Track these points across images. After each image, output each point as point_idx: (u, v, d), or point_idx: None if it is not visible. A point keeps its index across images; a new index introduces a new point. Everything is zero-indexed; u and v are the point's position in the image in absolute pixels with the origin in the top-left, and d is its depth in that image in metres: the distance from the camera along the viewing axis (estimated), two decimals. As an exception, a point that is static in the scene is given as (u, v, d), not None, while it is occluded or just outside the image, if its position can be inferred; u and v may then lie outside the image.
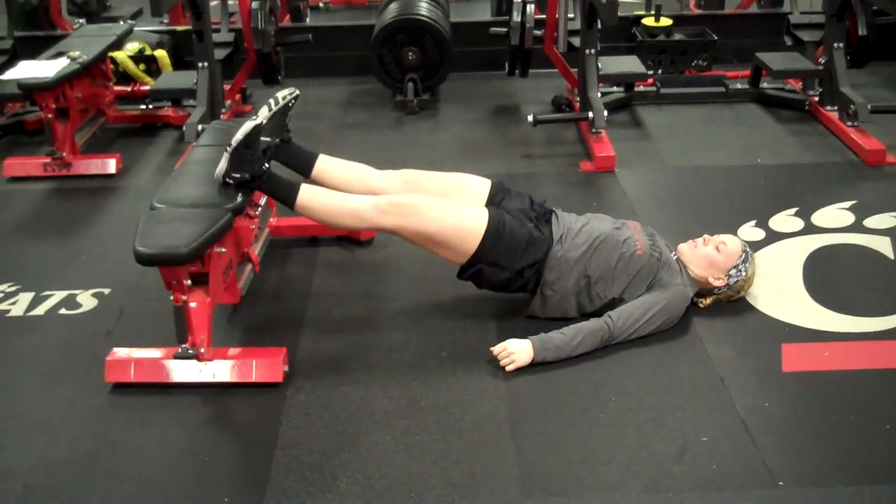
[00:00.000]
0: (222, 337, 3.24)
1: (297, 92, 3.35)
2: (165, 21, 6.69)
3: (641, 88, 5.75)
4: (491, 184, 3.45)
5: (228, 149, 3.04)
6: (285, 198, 3.19)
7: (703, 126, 5.36)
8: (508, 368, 3.04)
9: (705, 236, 3.36)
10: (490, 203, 3.36)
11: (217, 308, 3.15)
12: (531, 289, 3.25)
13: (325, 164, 3.48)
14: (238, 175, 3.07)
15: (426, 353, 3.18)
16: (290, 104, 3.31)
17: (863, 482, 2.52)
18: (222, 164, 3.08)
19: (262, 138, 3.13)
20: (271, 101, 3.22)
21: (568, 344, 3.07)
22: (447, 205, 3.22)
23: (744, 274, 3.31)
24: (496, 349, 3.09)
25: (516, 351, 3.05)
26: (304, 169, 3.47)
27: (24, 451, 2.74)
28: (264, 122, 3.13)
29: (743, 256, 3.32)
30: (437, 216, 3.16)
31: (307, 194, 3.18)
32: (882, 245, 3.80)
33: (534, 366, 3.04)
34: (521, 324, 3.27)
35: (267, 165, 3.12)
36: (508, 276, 3.21)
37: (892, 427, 2.74)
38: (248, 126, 3.02)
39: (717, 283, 3.30)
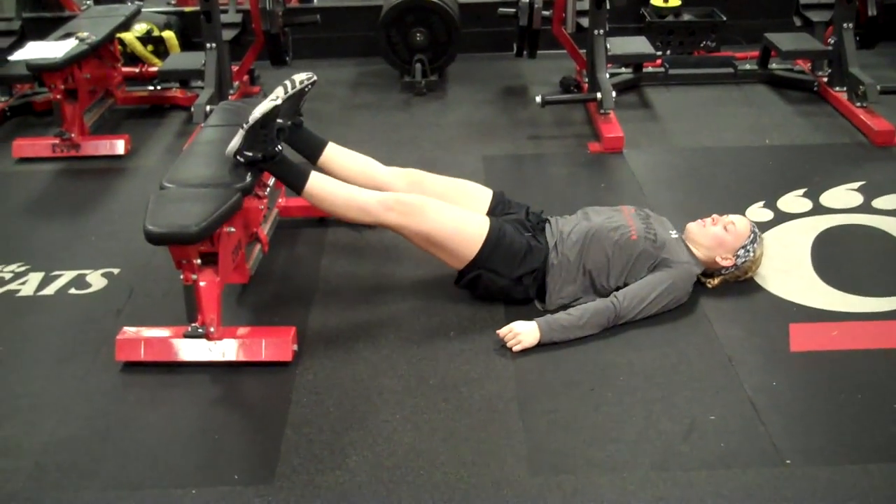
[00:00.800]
0: (232, 316, 3.25)
1: (315, 77, 3.35)
2: (173, 2, 6.67)
3: (650, 69, 5.74)
4: (492, 194, 3.50)
5: (245, 125, 3.05)
6: (294, 183, 3.20)
7: (712, 107, 5.35)
8: (515, 349, 3.05)
9: (714, 216, 3.36)
10: (491, 213, 3.40)
11: (226, 288, 3.16)
12: (534, 296, 3.28)
13: (334, 153, 3.51)
14: (250, 153, 3.08)
15: (435, 332, 3.19)
16: (307, 89, 3.31)
17: (870, 460, 2.53)
18: (235, 141, 3.09)
19: (277, 120, 3.13)
20: (287, 82, 3.22)
21: (574, 324, 3.08)
22: (451, 209, 3.25)
23: (752, 254, 3.32)
24: (502, 331, 3.10)
25: (522, 332, 3.06)
26: (312, 155, 3.49)
27: (35, 430, 2.76)
28: (282, 102, 3.13)
29: (751, 237, 3.32)
30: (439, 218, 3.19)
31: (316, 183, 3.19)
32: (890, 225, 3.79)
33: (541, 346, 3.05)
34: (528, 305, 3.28)
35: (279, 147, 3.13)
36: (507, 283, 3.23)
37: (899, 406, 2.75)
38: (266, 105, 3.02)
39: (725, 263, 3.30)
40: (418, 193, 3.31)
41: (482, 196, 3.49)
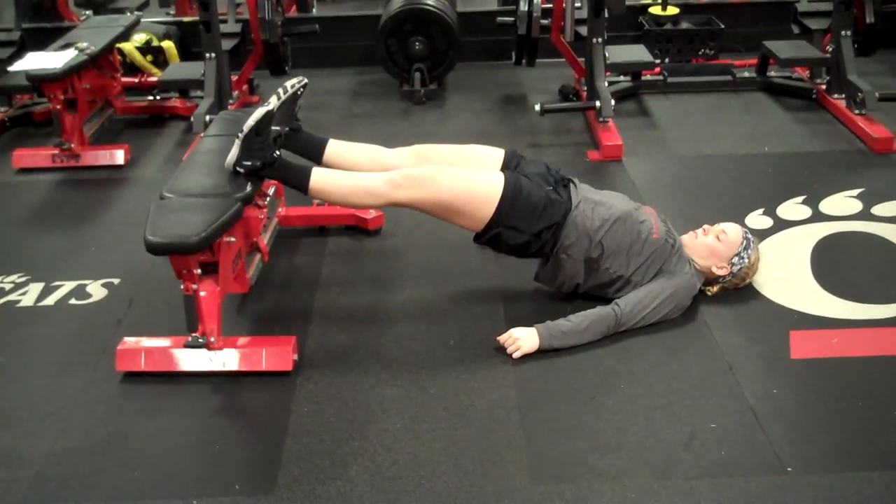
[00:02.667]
0: (232, 326, 3.25)
1: (306, 80, 3.35)
2: (172, 12, 6.69)
3: (648, 77, 5.74)
4: (504, 152, 3.44)
5: (240, 135, 3.05)
6: (298, 183, 3.19)
7: (711, 115, 5.36)
8: (515, 355, 3.05)
9: (705, 226, 3.36)
10: (505, 168, 3.34)
11: (227, 298, 3.16)
12: (546, 252, 3.24)
13: (336, 148, 3.48)
14: (249, 163, 3.08)
15: (435, 341, 3.19)
16: (299, 92, 3.31)
17: (871, 468, 2.53)
18: (233, 152, 3.09)
19: (272, 127, 3.13)
20: (280, 90, 3.23)
21: (574, 330, 3.08)
22: (461, 172, 3.20)
23: (746, 261, 3.32)
24: (502, 337, 3.10)
25: (522, 338, 3.07)
26: (315, 155, 3.47)
27: (36, 440, 2.76)
28: (275, 109, 3.13)
29: (744, 243, 3.32)
30: (451, 183, 3.13)
31: (319, 177, 3.18)
32: (890, 232, 3.80)
33: (542, 353, 3.06)
34: (529, 312, 3.28)
35: (278, 153, 3.13)
36: (526, 238, 3.18)
37: (900, 413, 2.75)
38: (259, 112, 3.02)
39: (720, 272, 3.30)
40: (427, 165, 3.27)
41: (494, 156, 3.41)
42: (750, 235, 3.37)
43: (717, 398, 2.84)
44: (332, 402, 2.88)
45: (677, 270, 3.22)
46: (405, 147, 3.49)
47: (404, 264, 3.68)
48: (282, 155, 3.16)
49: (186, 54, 6.10)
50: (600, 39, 5.08)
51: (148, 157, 4.99)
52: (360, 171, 3.34)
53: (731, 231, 3.34)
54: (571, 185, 3.32)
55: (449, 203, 3.14)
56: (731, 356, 3.04)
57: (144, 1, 7.03)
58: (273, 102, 3.13)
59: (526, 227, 3.17)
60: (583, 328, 3.09)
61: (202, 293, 2.94)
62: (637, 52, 5.50)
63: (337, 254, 3.82)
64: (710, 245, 3.30)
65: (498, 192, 3.14)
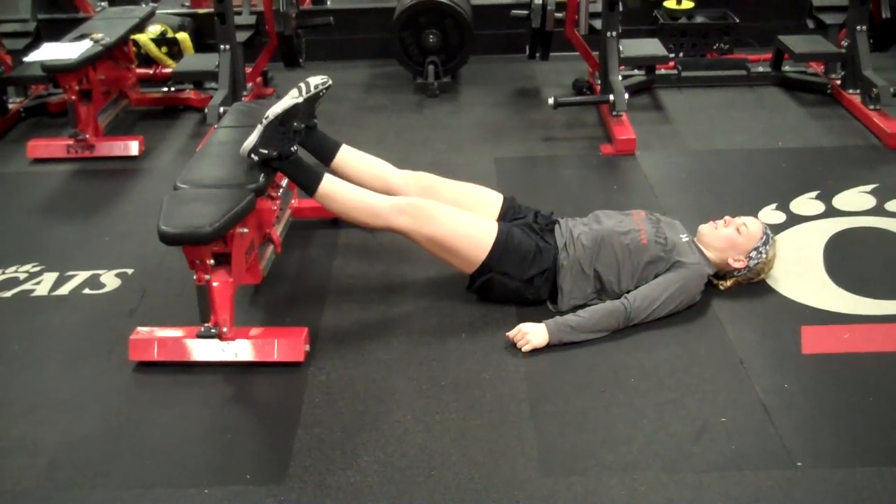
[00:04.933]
0: (244, 317, 3.27)
1: (330, 82, 3.33)
2: (187, 4, 6.70)
3: (663, 71, 5.72)
4: (503, 199, 3.51)
5: (265, 121, 3.06)
6: (307, 184, 3.21)
7: (725, 109, 5.34)
8: (524, 350, 3.05)
9: (726, 218, 3.36)
10: (501, 218, 3.42)
11: (239, 289, 3.18)
12: (546, 298, 3.29)
13: (347, 156, 3.52)
14: (266, 151, 3.09)
15: (446, 333, 3.20)
16: (322, 93, 3.31)
17: (882, 463, 2.52)
18: (253, 137, 3.10)
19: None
20: (302, 85, 3.20)
21: (584, 325, 3.09)
22: (460, 214, 3.27)
23: (764, 256, 3.31)
24: (511, 332, 3.11)
25: (531, 332, 3.07)
26: (326, 157, 3.49)
27: (50, 428, 2.78)
28: (302, 102, 3.13)
29: (763, 238, 3.32)
30: (449, 223, 3.21)
31: (329, 185, 3.21)
32: (903, 228, 3.79)
33: (553, 347, 3.06)
34: (540, 306, 3.29)
35: (295, 148, 3.14)
36: (518, 285, 3.25)
37: (911, 409, 2.75)
38: (287, 103, 3.04)
39: (737, 265, 3.30)
40: (430, 198, 3.32)
41: (493, 201, 3.50)
42: (769, 231, 3.36)
43: (727, 392, 2.84)
44: (344, 393, 2.89)
45: (684, 262, 3.22)
46: (412, 172, 3.55)
47: (416, 257, 3.68)
48: (297, 151, 3.17)
49: (201, 46, 6.10)
50: (614, 33, 5.07)
51: (162, 148, 5.01)
52: (365, 184, 3.40)
53: (752, 225, 3.34)
54: (556, 226, 3.37)
55: (442, 240, 3.21)
56: (742, 350, 3.04)
57: (159, -8, 7.05)
58: (300, 95, 3.13)
59: (517, 274, 3.24)
60: (592, 323, 3.09)
61: (215, 284, 2.96)
62: (651, 46, 5.47)
63: (349, 246, 3.83)
64: (730, 236, 3.30)
65: (490, 239, 3.22)
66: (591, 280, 3.23)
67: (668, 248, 3.24)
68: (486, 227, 3.26)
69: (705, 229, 3.36)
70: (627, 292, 3.20)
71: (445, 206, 3.26)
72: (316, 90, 3.25)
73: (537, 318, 3.12)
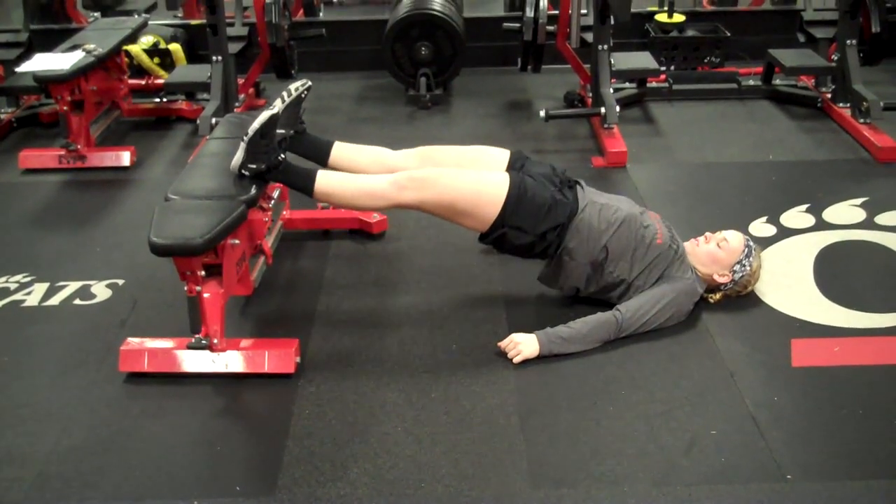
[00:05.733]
0: (235, 328, 3.26)
1: (310, 83, 3.35)
2: (180, 15, 6.72)
3: (654, 84, 5.75)
4: (510, 153, 3.43)
5: (245, 138, 3.06)
6: (303, 186, 3.20)
7: (716, 122, 5.36)
8: (515, 360, 3.05)
9: (707, 234, 3.36)
10: (510, 169, 3.34)
11: (230, 300, 3.17)
12: (551, 253, 3.24)
13: (342, 151, 3.49)
14: (254, 166, 3.09)
15: (436, 345, 3.20)
16: (303, 95, 3.31)
17: (871, 476, 2.53)
18: (238, 155, 3.10)
19: (277, 130, 3.15)
20: (284, 93, 3.23)
21: (575, 336, 3.09)
22: (466, 173, 3.21)
23: (748, 269, 3.32)
24: (503, 343, 3.11)
25: (522, 343, 3.07)
26: (321, 158, 3.48)
27: (39, 439, 2.77)
28: (279, 112, 3.14)
29: (745, 251, 3.32)
30: (456, 184, 3.15)
31: (324, 180, 3.20)
32: (893, 242, 3.80)
33: (543, 359, 3.06)
34: (531, 317, 3.29)
35: (283, 156, 3.14)
36: (531, 239, 3.19)
37: (900, 422, 2.76)
38: (264, 115, 3.04)
39: (722, 280, 3.31)
40: (432, 167, 3.28)
41: (499, 157, 3.41)
42: (752, 243, 3.37)
43: (717, 405, 2.84)
44: (334, 405, 2.89)
45: (679, 276, 3.22)
46: (410, 149, 3.49)
47: (407, 268, 3.69)
48: (287, 158, 3.17)
49: (193, 57, 6.12)
50: (606, 46, 5.09)
51: (154, 159, 5.01)
52: (365, 173, 3.35)
53: (733, 239, 3.34)
54: (578, 186, 3.32)
55: (453, 203, 3.15)
56: (732, 363, 3.04)
57: (152, 3, 7.07)
58: (277, 106, 3.14)
59: (531, 228, 3.17)
60: (583, 334, 3.09)
61: (206, 295, 2.95)
62: (642, 60, 5.49)
63: (340, 257, 3.83)
64: (712, 252, 3.31)
65: (503, 193, 3.14)
66: (597, 250, 3.18)
67: (679, 255, 3.24)
68: (496, 181, 3.17)
69: (688, 247, 3.35)
70: (621, 280, 3.20)
71: (448, 169, 3.20)
72: (297, 93, 3.25)
73: (530, 329, 3.12)
